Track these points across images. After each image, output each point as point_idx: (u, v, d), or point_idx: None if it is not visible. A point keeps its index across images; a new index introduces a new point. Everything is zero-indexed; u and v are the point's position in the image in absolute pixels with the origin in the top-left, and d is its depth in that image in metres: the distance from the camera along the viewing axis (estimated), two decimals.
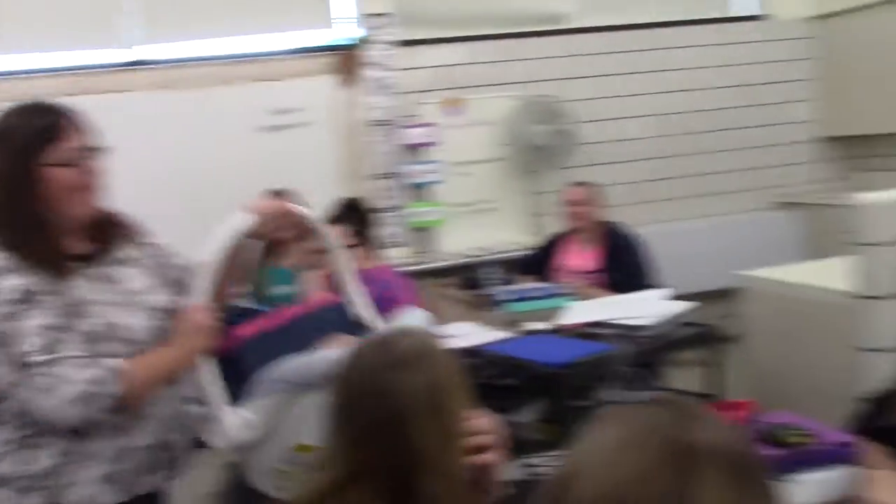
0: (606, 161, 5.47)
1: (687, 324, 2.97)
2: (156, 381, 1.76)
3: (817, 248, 4.87)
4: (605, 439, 0.72)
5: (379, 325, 2.01)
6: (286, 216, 1.94)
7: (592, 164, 5.34)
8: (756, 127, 5.84)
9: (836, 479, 1.69)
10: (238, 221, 1.83)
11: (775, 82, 5.86)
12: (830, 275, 2.71)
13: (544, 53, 5.39)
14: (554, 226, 4.58)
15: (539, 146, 5.07)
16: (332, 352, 1.89)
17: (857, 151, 6.05)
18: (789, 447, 1.70)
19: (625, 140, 5.57)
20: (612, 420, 0.74)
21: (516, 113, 5.14)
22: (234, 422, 1.81)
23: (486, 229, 5.11)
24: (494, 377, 2.72)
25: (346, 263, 2.06)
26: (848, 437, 1.74)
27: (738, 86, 5.79)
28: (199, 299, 1.80)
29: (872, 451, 1.74)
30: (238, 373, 1.97)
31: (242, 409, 1.85)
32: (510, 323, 3.31)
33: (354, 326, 2.05)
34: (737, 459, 0.67)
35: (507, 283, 4.25)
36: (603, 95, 5.48)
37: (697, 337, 2.96)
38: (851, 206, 2.33)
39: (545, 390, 2.53)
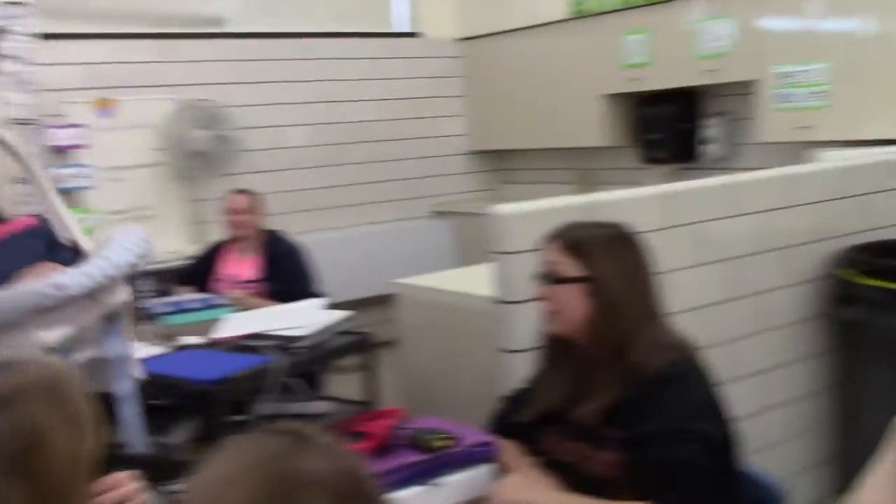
0: (269, 169, 5.43)
1: (344, 332, 3.00)
2: None
3: (470, 256, 5.18)
4: (213, 473, 0.69)
5: (90, 249, 1.82)
6: None
7: (255, 172, 5.26)
8: (413, 139, 6.10)
9: (476, 479, 1.77)
10: None
11: (430, 97, 6.17)
12: (477, 281, 2.86)
13: (203, 57, 5.23)
14: (215, 234, 4.45)
15: (199, 152, 4.90)
16: (33, 284, 1.67)
17: (502, 165, 6.56)
18: (433, 451, 1.75)
19: (288, 148, 5.56)
20: (223, 452, 0.71)
21: (174, 117, 4.92)
22: None
23: None
24: (148, 397, 2.56)
25: (50, 187, 1.86)
26: (487, 437, 1.84)
27: (397, 99, 6.02)
28: None
29: (506, 448, 1.86)
30: None
31: None
32: (166, 337, 3.14)
33: (61, 252, 1.85)
34: (344, 488, 0.65)
35: (165, 294, 4.04)
36: (266, 102, 5.43)
37: (354, 345, 3.01)
38: (489, 216, 2.47)
39: (199, 409, 2.42)
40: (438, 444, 1.77)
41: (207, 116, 4.99)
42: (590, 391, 1.74)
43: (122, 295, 1.72)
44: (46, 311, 1.64)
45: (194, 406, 2.39)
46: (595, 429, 1.74)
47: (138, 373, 1.79)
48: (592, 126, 5.38)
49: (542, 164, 6.25)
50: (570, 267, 1.76)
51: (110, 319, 1.71)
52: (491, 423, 1.99)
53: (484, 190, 6.39)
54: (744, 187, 3.03)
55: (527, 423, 1.88)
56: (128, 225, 1.86)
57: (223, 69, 5.28)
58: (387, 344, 3.44)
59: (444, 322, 3.02)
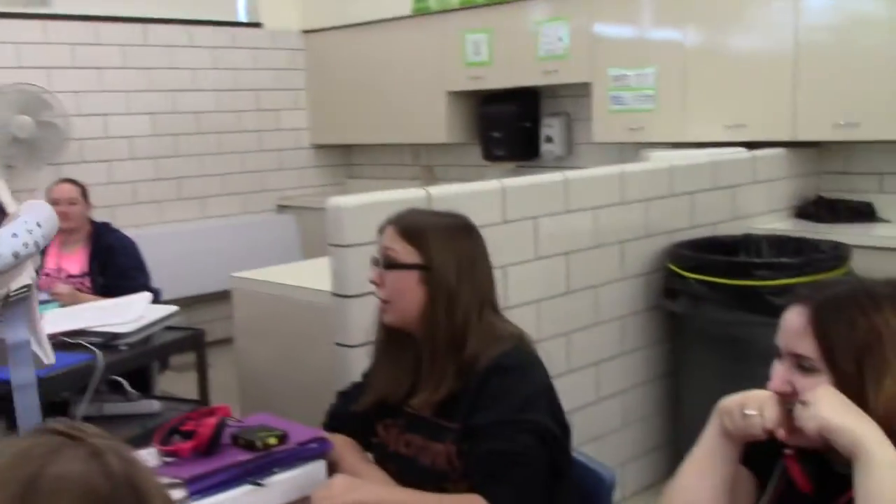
0: (101, 159, 5.17)
1: (175, 328, 2.88)
2: None
3: (314, 251, 5.10)
4: None
5: (12, 209, 1.62)
6: None
7: (85, 162, 5.01)
8: (256, 132, 5.97)
9: (306, 477, 1.72)
10: None
11: (273, 90, 6.05)
12: (316, 275, 2.81)
13: (28, 39, 4.91)
14: None
15: (21, 139, 4.59)
16: None
17: (347, 159, 6.51)
18: (261, 449, 1.69)
19: (123, 137, 5.31)
20: None
21: None
22: None
23: None
24: None
25: None
26: (318, 434, 1.80)
27: (239, 90, 5.86)
28: None
29: (338, 442, 1.82)
30: None
31: None
32: None
33: None
34: (102, 492, 0.61)
35: None
36: (96, 89, 5.16)
37: (186, 341, 2.89)
38: (326, 208, 2.43)
39: (8, 410, 2.25)
40: (266, 441, 1.70)
41: (31, 102, 4.69)
42: (424, 382, 1.73)
43: (23, 278, 1.57)
44: None
45: (4, 408, 2.22)
46: (430, 420, 1.73)
47: (48, 360, 1.63)
48: (437, 122, 5.41)
49: (386, 159, 6.24)
50: (404, 253, 1.72)
51: (12, 303, 1.55)
52: (326, 419, 1.95)
53: (329, 185, 6.32)
54: (578, 184, 3.11)
55: (362, 415, 1.85)
56: (34, 201, 1.67)
57: (50, 52, 4.98)
58: (227, 341, 3.33)
59: (283, 316, 2.95)
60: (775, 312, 1.33)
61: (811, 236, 3.50)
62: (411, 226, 1.75)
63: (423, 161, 5.99)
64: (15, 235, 1.53)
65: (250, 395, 3.04)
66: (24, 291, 1.57)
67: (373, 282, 1.78)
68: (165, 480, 1.56)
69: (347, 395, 1.95)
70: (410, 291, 1.72)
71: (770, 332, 1.33)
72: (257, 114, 5.94)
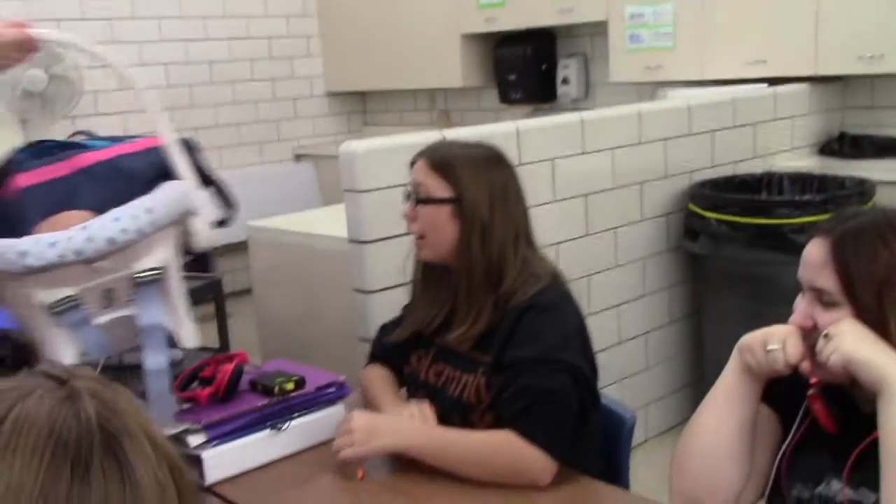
0: (116, 111, 5.14)
1: (193, 277, 2.88)
2: None
3: (332, 200, 5.08)
4: None
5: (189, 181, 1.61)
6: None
7: (99, 114, 4.99)
8: (270, 80, 5.92)
9: (322, 421, 1.72)
10: None
11: (287, 37, 5.98)
12: (333, 222, 2.79)
13: None
14: None
15: (35, 93, 4.57)
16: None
17: (362, 106, 6.46)
18: (278, 395, 1.69)
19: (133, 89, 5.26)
20: None
21: None
22: None
23: None
24: None
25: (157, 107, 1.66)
26: (335, 379, 1.79)
27: (253, 38, 5.80)
28: None
29: (373, 374, 1.84)
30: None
31: None
32: None
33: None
34: (53, 436, 0.58)
35: None
36: (109, 40, 5.12)
37: (204, 290, 2.89)
38: (341, 154, 2.40)
39: (27, 360, 2.27)
40: (284, 387, 1.70)
41: (43, 55, 4.65)
42: (461, 316, 1.72)
43: (151, 259, 1.53)
44: (28, 273, 1.47)
45: (23, 357, 2.24)
46: (462, 352, 1.72)
47: (190, 343, 1.59)
48: (452, 66, 5.34)
49: (402, 105, 6.18)
50: (436, 187, 1.70)
51: (140, 285, 1.52)
52: (370, 351, 1.95)
53: (345, 132, 6.27)
54: (595, 124, 3.06)
55: (398, 346, 1.85)
56: (171, 182, 1.63)
57: (59, 5, 4.93)
58: (247, 292, 3.33)
59: (301, 263, 2.94)
60: (798, 251, 1.30)
61: (835, 173, 3.43)
62: (442, 158, 1.73)
63: (439, 106, 5.93)
64: (117, 219, 1.49)
65: (270, 343, 3.05)
66: (156, 274, 1.52)
67: (406, 216, 1.76)
68: (182, 427, 1.57)
69: (386, 328, 1.96)
70: (444, 225, 1.70)
71: (793, 271, 1.30)
72: (270, 62, 5.88)
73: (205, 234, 1.62)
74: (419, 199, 1.72)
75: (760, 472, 1.34)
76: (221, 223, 1.83)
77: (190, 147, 1.79)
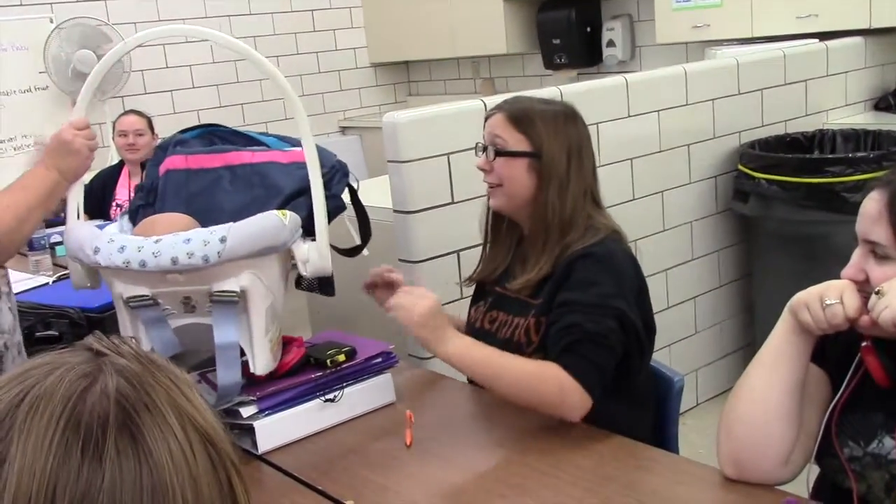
0: (164, 89, 5.21)
1: None
2: (27, 201, 1.66)
3: (378, 170, 5.10)
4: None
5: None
6: None
7: (147, 93, 5.06)
8: (314, 52, 5.93)
9: (373, 391, 1.75)
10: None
11: (330, 8, 5.98)
12: (379, 193, 2.80)
13: None
14: (109, 159, 4.27)
15: (84, 73, 4.65)
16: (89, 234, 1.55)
17: (406, 77, 6.44)
18: (330, 366, 1.71)
19: (184, 66, 5.33)
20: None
21: (55, 37, 4.65)
22: None
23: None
24: (34, 328, 2.46)
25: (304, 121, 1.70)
26: (385, 348, 1.81)
27: (296, 11, 5.82)
28: (78, 114, 1.73)
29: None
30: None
31: None
32: (61, 267, 3.02)
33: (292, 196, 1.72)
34: (68, 415, 0.57)
35: (60, 223, 3.89)
36: (152, 19, 5.17)
37: None
38: (384, 126, 2.41)
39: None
40: (335, 359, 1.73)
41: (91, 35, 4.73)
42: (530, 265, 1.75)
43: (230, 282, 1.52)
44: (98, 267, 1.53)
45: (83, 335, 2.31)
46: (519, 299, 1.76)
47: (260, 371, 1.59)
48: (495, 33, 5.29)
49: (446, 74, 6.15)
50: (514, 141, 1.73)
51: (217, 303, 1.53)
52: None
53: (390, 103, 6.27)
54: (640, 86, 3.02)
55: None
56: (264, 214, 1.63)
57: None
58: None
59: (346, 235, 2.96)
60: (851, 210, 1.28)
61: (889, 129, 3.34)
62: (519, 112, 1.76)
63: (483, 74, 5.89)
64: (187, 241, 1.51)
65: (319, 315, 3.08)
66: (232, 296, 1.53)
67: (481, 168, 1.79)
68: (237, 399, 1.60)
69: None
70: (521, 178, 1.73)
71: (846, 231, 1.28)
72: (313, 35, 5.89)
73: (318, 263, 1.64)
74: (497, 151, 1.75)
75: (810, 433, 1.33)
76: (353, 252, 1.87)
77: (343, 172, 1.80)
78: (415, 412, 1.64)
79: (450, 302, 2.34)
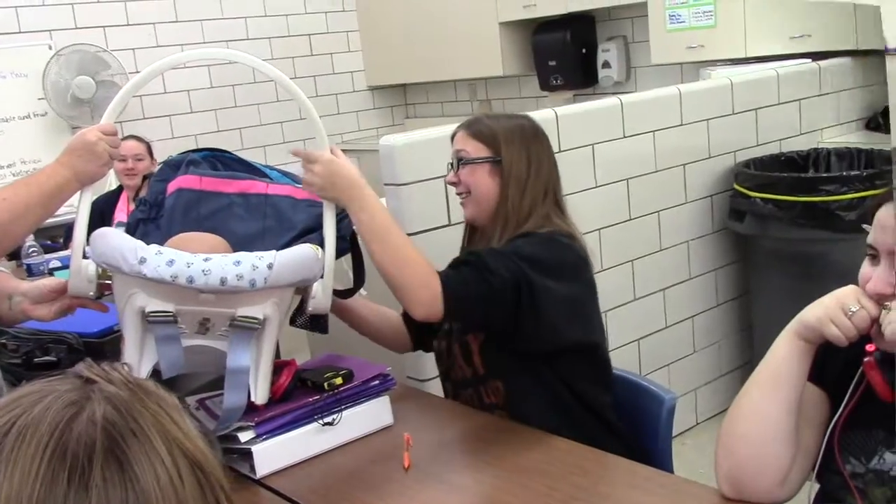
0: (162, 113, 5.23)
1: None
2: (27, 198, 1.61)
3: (377, 193, 5.11)
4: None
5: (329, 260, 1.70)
6: None
7: (146, 118, 5.08)
8: (312, 76, 5.96)
9: (370, 413, 1.75)
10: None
11: (327, 33, 6.02)
12: None
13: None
14: (107, 184, 4.28)
15: (83, 99, 4.68)
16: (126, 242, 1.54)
17: (403, 99, 6.47)
18: (327, 389, 1.72)
19: (181, 91, 5.36)
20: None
21: (53, 63, 4.68)
22: None
23: None
24: (32, 354, 2.46)
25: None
26: (382, 370, 1.82)
27: (293, 36, 5.85)
28: (107, 120, 1.69)
29: None
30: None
31: None
32: None
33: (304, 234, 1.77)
34: (54, 444, 0.57)
35: (59, 249, 3.90)
36: (150, 45, 5.20)
37: None
38: (381, 149, 2.42)
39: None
40: (333, 382, 1.73)
41: (90, 61, 4.76)
42: None
43: (255, 309, 1.55)
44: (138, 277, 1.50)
45: (81, 360, 2.31)
46: None
47: (258, 399, 1.61)
48: (491, 55, 5.33)
49: (443, 96, 6.19)
50: (475, 150, 1.84)
51: (237, 328, 1.55)
52: None
53: (388, 125, 6.30)
54: (635, 107, 3.04)
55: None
56: (304, 246, 1.67)
57: (104, 11, 5.03)
58: None
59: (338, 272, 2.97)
60: (847, 227, 1.28)
61: (882, 148, 3.36)
62: (479, 125, 1.88)
63: (480, 96, 5.93)
64: (237, 263, 1.52)
65: (317, 337, 3.08)
66: (255, 323, 1.55)
67: (451, 183, 1.89)
68: (234, 425, 1.60)
69: None
70: (485, 182, 1.83)
71: (842, 249, 1.29)
72: (311, 59, 5.92)
73: (321, 300, 1.68)
74: (461, 161, 1.85)
75: (807, 452, 1.33)
76: (346, 293, 1.91)
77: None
78: (412, 435, 1.64)
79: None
